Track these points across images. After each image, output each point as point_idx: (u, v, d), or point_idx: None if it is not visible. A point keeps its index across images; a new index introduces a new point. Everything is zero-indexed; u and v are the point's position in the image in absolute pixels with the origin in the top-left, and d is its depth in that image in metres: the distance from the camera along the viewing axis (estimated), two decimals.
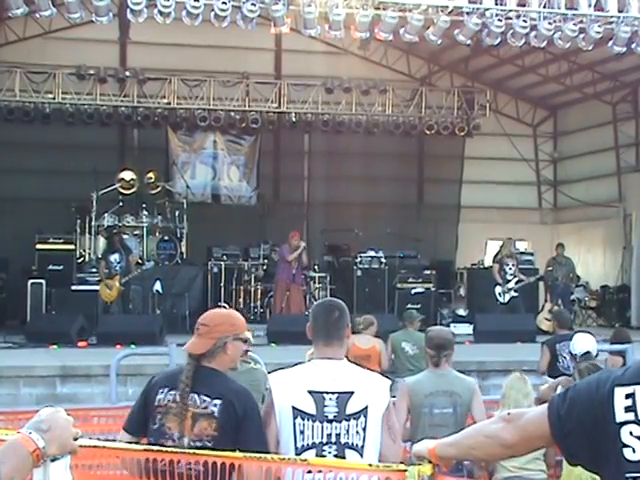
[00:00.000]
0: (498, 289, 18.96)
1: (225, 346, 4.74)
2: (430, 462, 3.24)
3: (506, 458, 3.00)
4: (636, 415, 2.75)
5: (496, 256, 19.75)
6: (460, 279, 23.47)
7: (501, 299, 18.93)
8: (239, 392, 4.65)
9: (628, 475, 2.71)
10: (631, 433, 2.74)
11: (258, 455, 3.82)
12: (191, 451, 4.10)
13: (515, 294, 18.94)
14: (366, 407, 4.52)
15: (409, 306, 19.66)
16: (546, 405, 2.96)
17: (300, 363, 4.85)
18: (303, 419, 4.48)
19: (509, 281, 18.91)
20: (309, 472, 3.82)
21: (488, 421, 3.19)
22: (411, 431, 6.79)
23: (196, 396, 4.61)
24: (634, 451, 2.73)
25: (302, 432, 4.47)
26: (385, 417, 4.58)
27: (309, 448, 4.45)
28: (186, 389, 4.61)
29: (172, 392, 4.62)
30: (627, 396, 2.76)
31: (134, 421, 4.69)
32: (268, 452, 4.61)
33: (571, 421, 2.86)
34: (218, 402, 4.56)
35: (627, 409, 2.75)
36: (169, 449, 4.09)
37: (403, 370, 11.61)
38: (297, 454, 4.37)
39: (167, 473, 3.99)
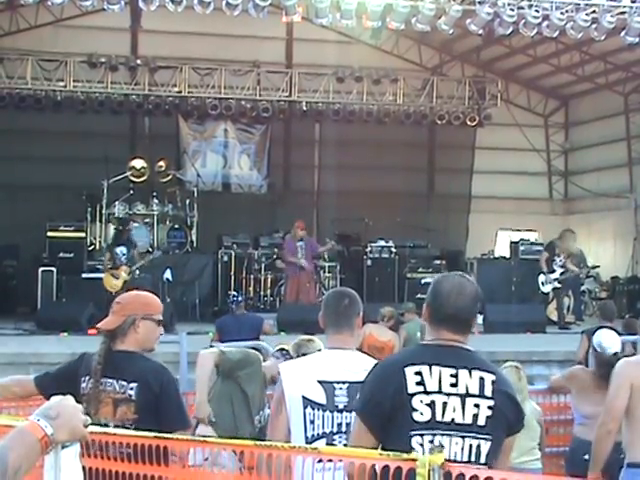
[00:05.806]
0: (542, 278, 18.73)
1: (135, 323, 4.76)
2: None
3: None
4: (424, 388, 3.67)
5: (550, 244, 19.35)
6: (470, 269, 23.40)
7: (543, 288, 18.77)
8: (154, 370, 4.71)
9: (413, 433, 3.63)
10: (421, 401, 3.66)
11: (269, 443, 3.81)
12: (200, 438, 4.09)
13: (558, 285, 18.62)
14: None
15: (419, 296, 19.63)
16: None
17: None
18: (313, 409, 4.47)
19: (554, 271, 18.68)
20: (319, 461, 3.82)
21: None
22: None
23: (115, 382, 4.67)
24: (422, 414, 3.66)
25: (312, 422, 4.47)
26: None
27: (319, 437, 4.45)
28: (98, 371, 4.66)
29: (91, 379, 4.71)
30: (416, 373, 3.70)
31: None
32: (189, 424, 4.74)
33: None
34: (134, 385, 4.63)
35: (417, 383, 3.68)
36: (178, 436, 4.09)
37: None
38: (307, 443, 4.37)
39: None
